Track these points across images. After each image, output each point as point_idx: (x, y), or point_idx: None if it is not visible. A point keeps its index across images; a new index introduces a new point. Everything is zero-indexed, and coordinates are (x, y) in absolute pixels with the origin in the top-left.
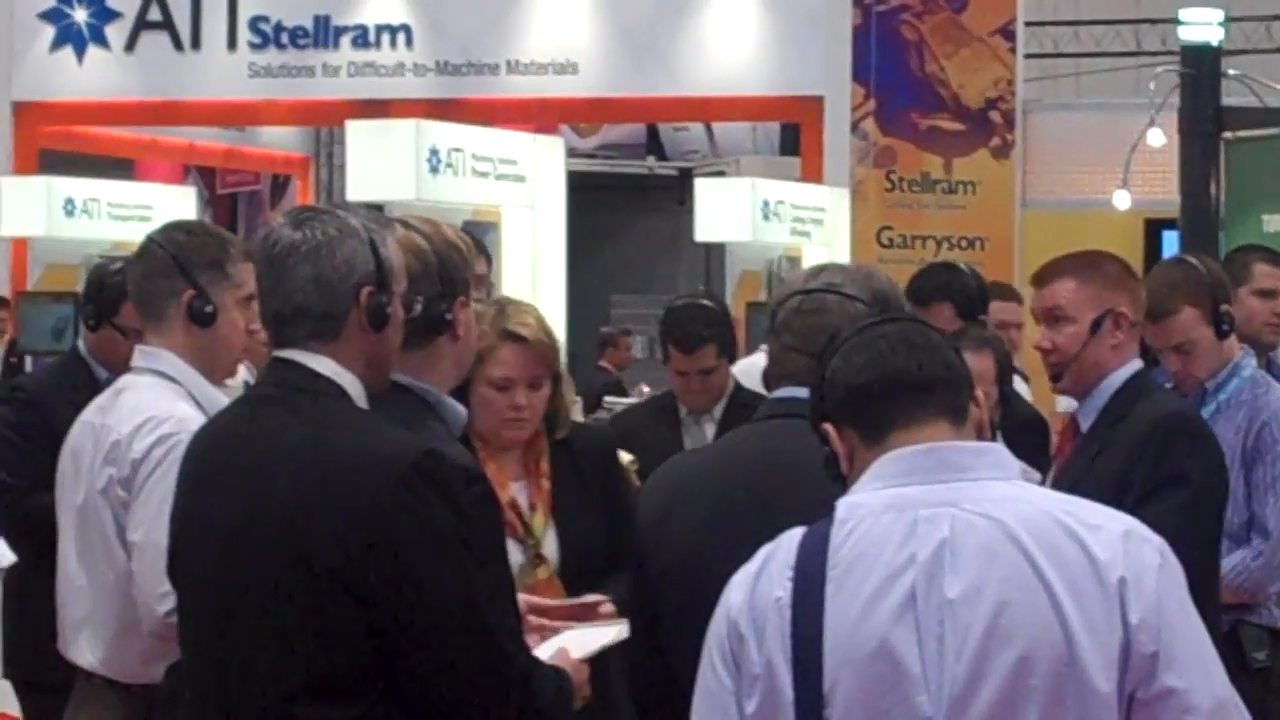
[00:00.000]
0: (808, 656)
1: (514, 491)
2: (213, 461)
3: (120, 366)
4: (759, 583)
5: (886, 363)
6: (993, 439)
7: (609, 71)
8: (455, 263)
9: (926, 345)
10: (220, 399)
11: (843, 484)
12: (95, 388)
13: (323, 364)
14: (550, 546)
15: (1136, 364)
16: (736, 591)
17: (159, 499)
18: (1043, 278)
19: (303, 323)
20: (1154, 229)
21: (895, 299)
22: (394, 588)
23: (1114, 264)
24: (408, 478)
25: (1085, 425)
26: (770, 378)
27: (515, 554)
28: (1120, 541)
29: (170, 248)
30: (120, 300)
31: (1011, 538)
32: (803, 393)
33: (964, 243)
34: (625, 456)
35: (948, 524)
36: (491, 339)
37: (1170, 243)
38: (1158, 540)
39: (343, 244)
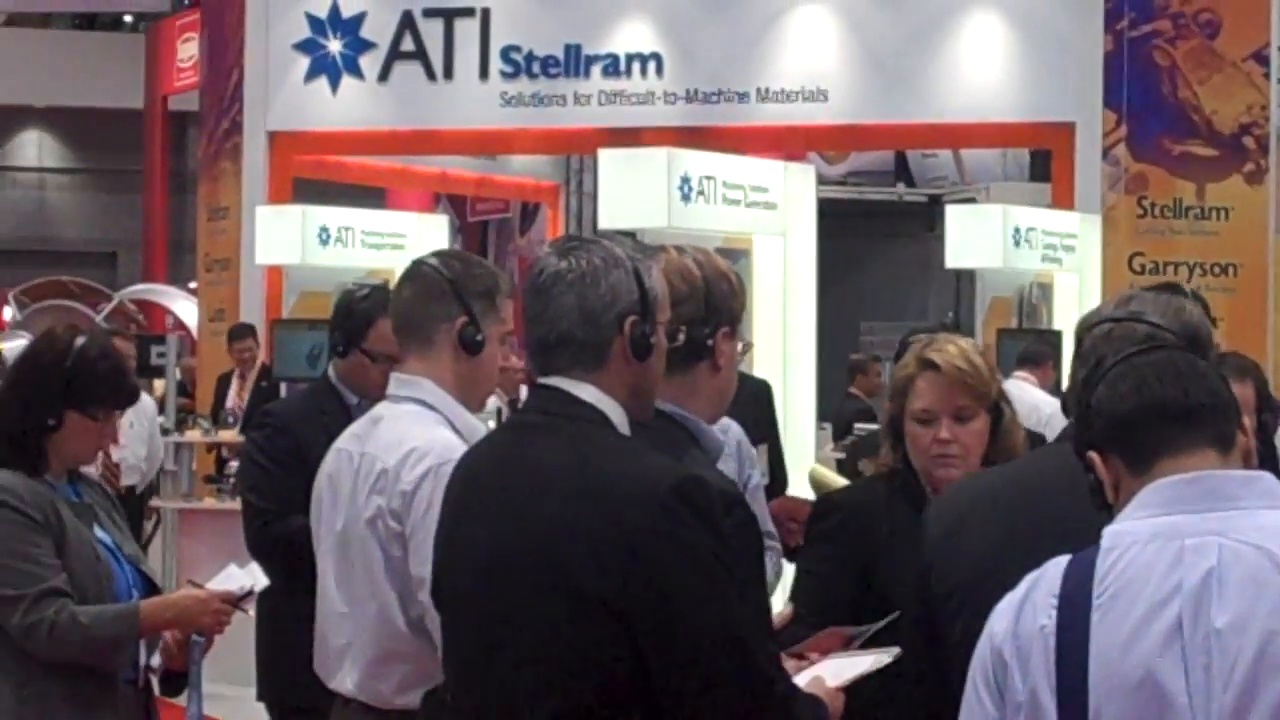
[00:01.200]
0: (1072, 685)
1: None
2: (477, 487)
3: (369, 391)
4: (1024, 610)
5: (1152, 391)
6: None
7: (858, 99)
8: (723, 293)
9: (1193, 373)
10: (479, 426)
11: (1108, 512)
12: (345, 413)
13: (586, 391)
14: None
15: None
16: (1001, 619)
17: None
18: None
19: (566, 350)
20: None
21: (1205, 335)
22: (655, 613)
23: None
24: (670, 503)
25: None
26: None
27: None
28: None
29: (447, 273)
30: (368, 326)
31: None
32: None
33: (1216, 269)
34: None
35: (1215, 553)
36: (911, 369)
37: None
38: None
39: (608, 273)
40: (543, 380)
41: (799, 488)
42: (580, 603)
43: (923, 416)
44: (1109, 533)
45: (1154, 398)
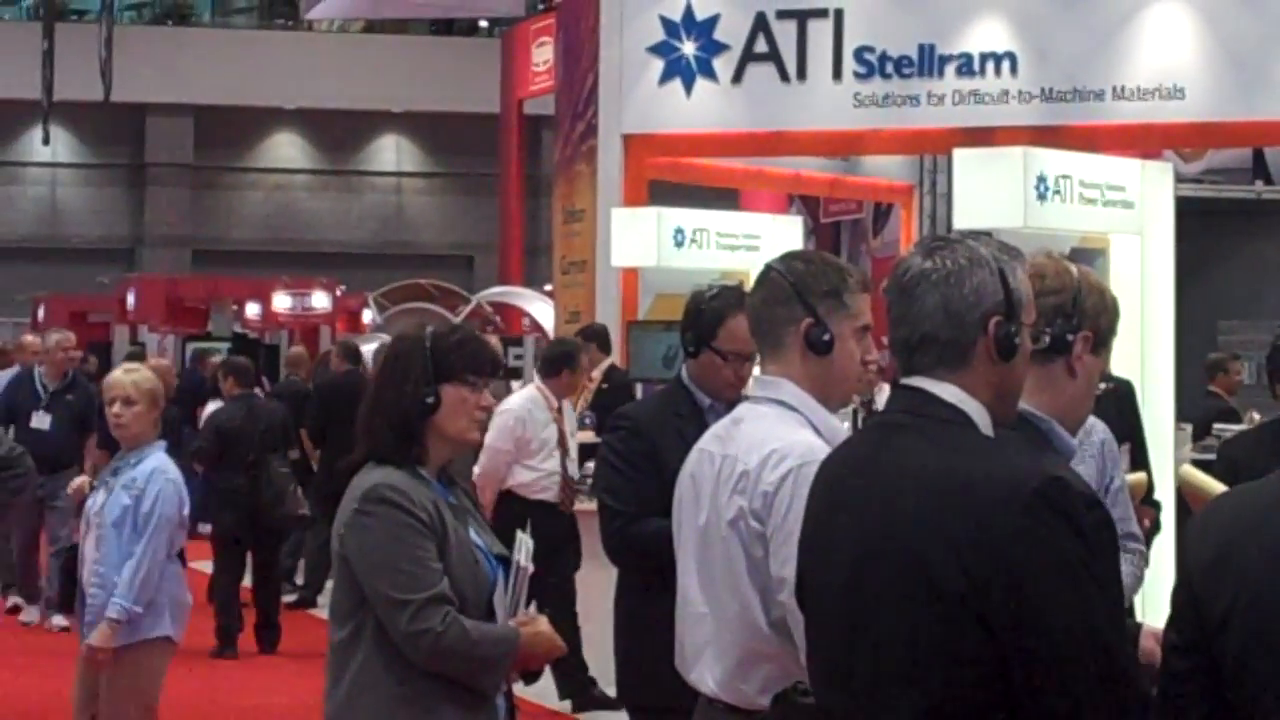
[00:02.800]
0: None
1: None
2: (841, 487)
3: (722, 391)
4: None
5: None
6: None
7: (1216, 96)
8: (1095, 304)
9: None
10: (840, 427)
11: None
12: (698, 415)
13: (949, 391)
14: None
15: None
16: None
17: (797, 532)
18: None
19: (930, 350)
20: None
21: None
22: (1018, 614)
23: None
24: (1033, 504)
25: None
26: None
27: None
28: None
29: (790, 276)
30: (718, 325)
31: None
32: None
33: None
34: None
35: None
36: None
37: None
38: None
39: (972, 273)
40: (906, 380)
41: (1162, 488)
42: (942, 603)
43: None
44: None
45: None
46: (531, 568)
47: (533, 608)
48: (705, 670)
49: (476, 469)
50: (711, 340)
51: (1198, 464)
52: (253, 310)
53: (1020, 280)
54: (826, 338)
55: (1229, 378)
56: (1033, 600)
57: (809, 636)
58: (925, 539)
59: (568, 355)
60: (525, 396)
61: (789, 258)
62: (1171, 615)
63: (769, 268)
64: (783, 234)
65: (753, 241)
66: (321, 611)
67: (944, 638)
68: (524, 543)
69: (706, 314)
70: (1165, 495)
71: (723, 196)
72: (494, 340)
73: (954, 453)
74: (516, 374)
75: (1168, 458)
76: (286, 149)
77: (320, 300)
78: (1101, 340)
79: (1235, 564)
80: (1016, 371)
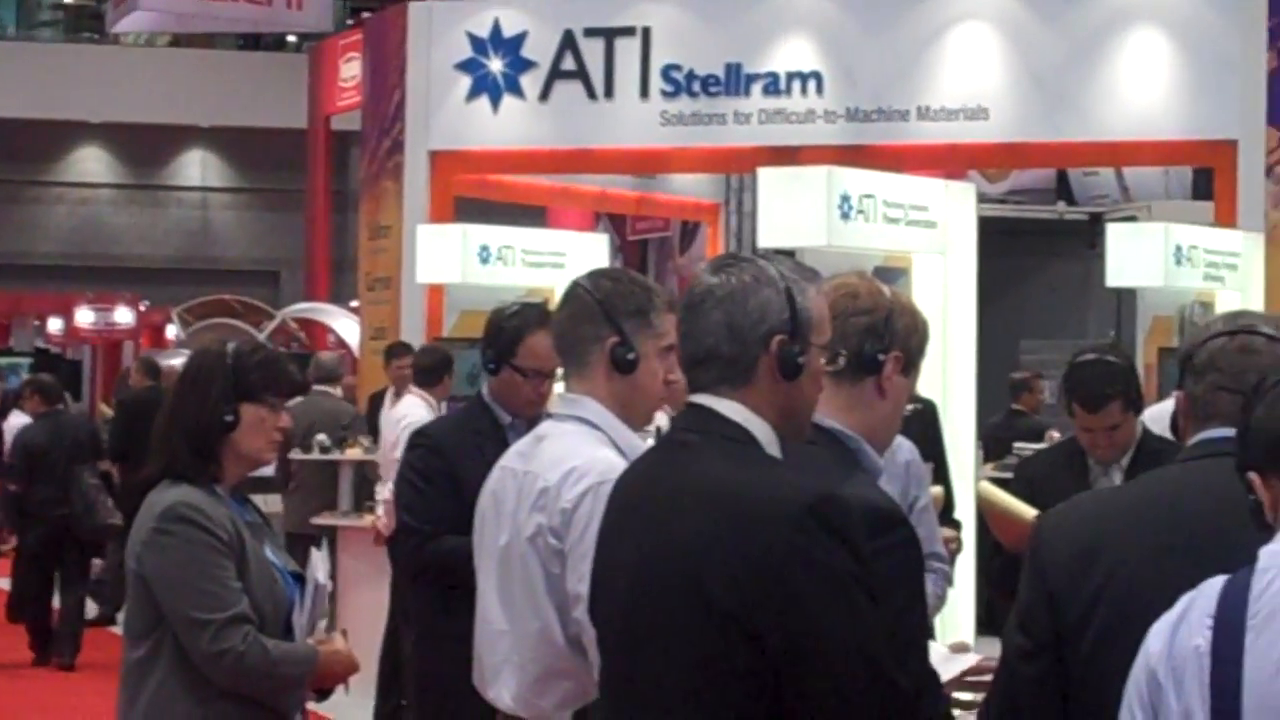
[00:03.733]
0: (1226, 706)
1: None
2: (627, 505)
3: (522, 409)
4: (1179, 631)
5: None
6: None
7: (1019, 117)
8: (906, 325)
9: None
10: (640, 445)
11: (1268, 532)
12: (498, 432)
13: (733, 409)
14: None
15: None
16: (1156, 639)
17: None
18: None
19: (713, 366)
20: None
21: None
22: (787, 632)
23: None
24: (804, 522)
25: None
26: (1196, 419)
27: None
28: None
29: (597, 294)
30: (517, 342)
31: None
32: (1231, 433)
33: None
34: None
35: None
36: None
37: None
38: None
39: (758, 291)
40: (692, 398)
41: (963, 507)
42: (715, 621)
43: None
44: (1265, 553)
45: None
46: (330, 585)
47: (323, 624)
48: (503, 687)
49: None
50: (511, 358)
51: (997, 482)
52: (55, 325)
53: (810, 301)
54: (631, 356)
55: (1034, 396)
56: (803, 618)
57: (600, 654)
58: (699, 556)
59: (446, 360)
60: (418, 406)
61: (597, 276)
62: (1019, 620)
63: (576, 285)
64: (589, 251)
65: (558, 259)
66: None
67: (717, 655)
68: (321, 560)
69: (507, 331)
70: (966, 514)
71: (531, 214)
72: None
73: (731, 470)
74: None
75: (968, 476)
76: (91, 163)
77: (124, 315)
78: (911, 361)
79: (1104, 559)
80: (804, 391)
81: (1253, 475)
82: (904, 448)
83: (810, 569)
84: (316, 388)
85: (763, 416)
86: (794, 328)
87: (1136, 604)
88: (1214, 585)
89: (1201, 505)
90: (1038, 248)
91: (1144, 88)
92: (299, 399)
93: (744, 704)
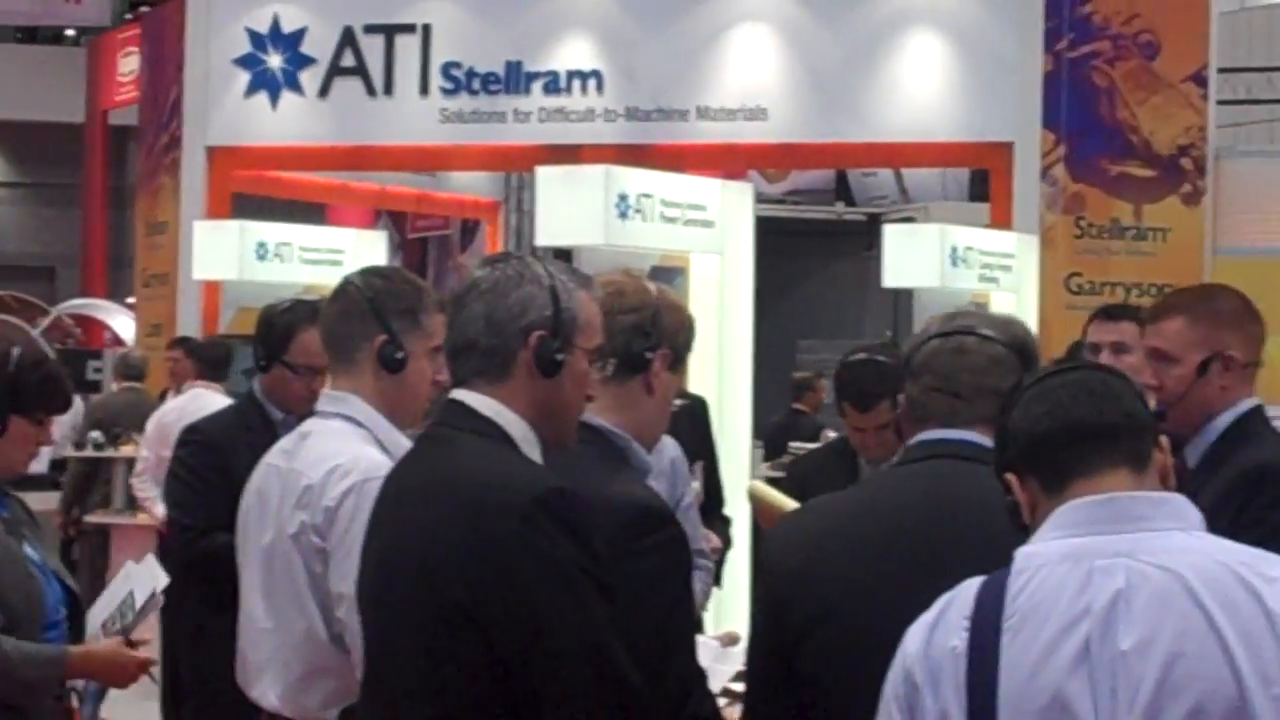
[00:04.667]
0: (982, 706)
1: None
2: (382, 499)
3: (293, 405)
4: (935, 632)
5: (1067, 412)
6: None
7: (798, 117)
8: (674, 322)
9: (1107, 393)
10: (405, 444)
11: (1026, 533)
12: (269, 429)
13: (485, 404)
14: None
15: (1248, 404)
16: (913, 640)
17: (358, 549)
18: (1154, 314)
19: (471, 358)
20: None
21: (1032, 346)
22: (512, 624)
23: (1230, 300)
24: (530, 514)
25: (1191, 463)
26: (912, 421)
27: None
28: None
29: (368, 291)
30: (288, 339)
31: (1186, 590)
32: (949, 434)
33: (1153, 289)
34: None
35: (1123, 575)
36: None
37: None
38: None
39: (520, 285)
40: (451, 393)
41: (735, 505)
42: (446, 613)
43: None
44: (1021, 554)
45: (1067, 419)
46: (162, 599)
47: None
48: (268, 686)
49: None
50: (283, 354)
51: (771, 480)
52: None
53: (578, 303)
54: (400, 355)
55: (816, 396)
56: (530, 609)
57: (365, 648)
58: (431, 549)
59: (231, 353)
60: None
61: (368, 274)
62: (753, 626)
63: (347, 282)
64: (367, 249)
65: (336, 256)
66: None
67: (449, 648)
68: (143, 568)
69: (277, 327)
70: (740, 511)
71: (311, 211)
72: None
73: (469, 464)
74: (95, 388)
75: (744, 474)
76: None
77: None
78: (678, 358)
79: (820, 570)
80: (564, 391)
81: (1010, 477)
82: (669, 445)
83: (536, 561)
84: (124, 384)
85: (519, 413)
86: (556, 325)
87: (854, 614)
88: (971, 586)
89: (915, 509)
90: (816, 248)
91: (921, 90)
92: (105, 394)
93: (476, 696)
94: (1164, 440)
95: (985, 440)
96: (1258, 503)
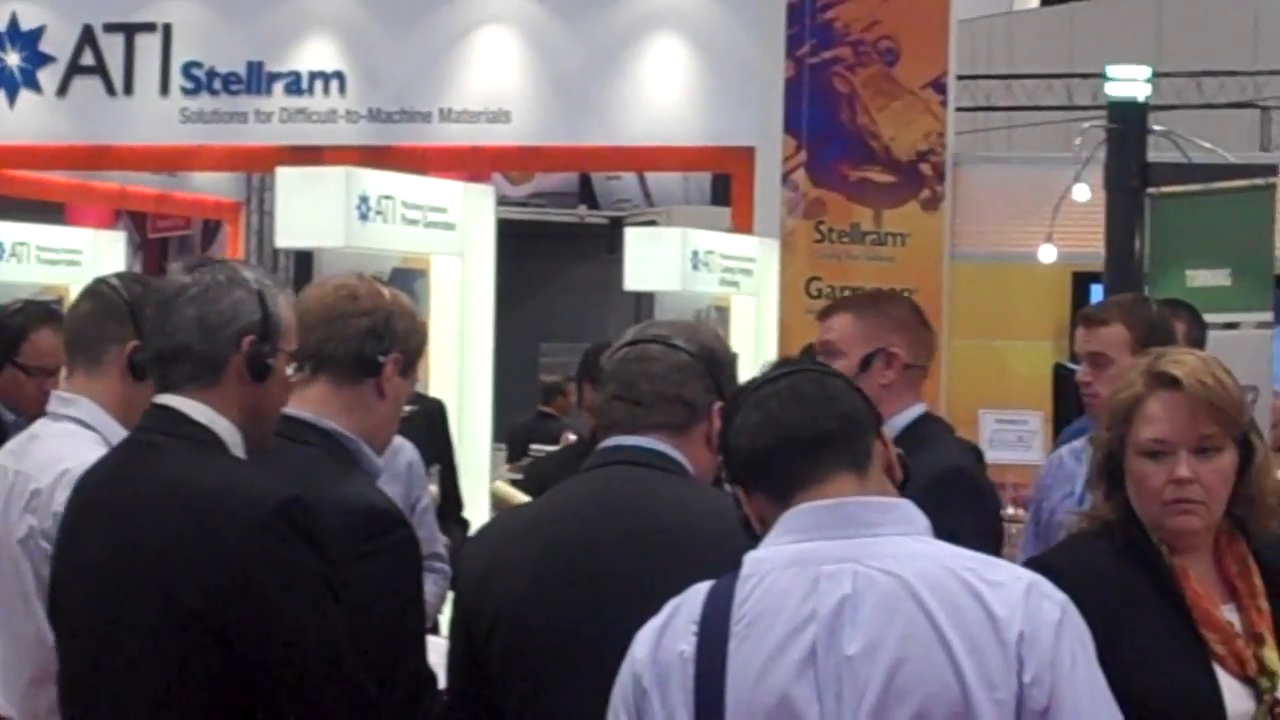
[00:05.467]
0: (709, 710)
1: (1226, 614)
2: (87, 505)
3: (26, 408)
4: (664, 637)
5: (779, 424)
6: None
7: (541, 121)
8: (406, 327)
9: (821, 397)
10: None
11: (757, 542)
12: (2, 431)
13: (198, 410)
14: None
15: (918, 409)
16: (641, 645)
17: None
18: (825, 311)
19: (184, 363)
20: (1081, 282)
21: (722, 351)
22: (256, 630)
23: (900, 307)
24: (270, 521)
25: None
26: (600, 428)
27: (1244, 699)
28: (1021, 598)
29: (127, 295)
30: (21, 340)
31: (912, 594)
32: (629, 440)
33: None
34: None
35: (849, 580)
36: (1139, 388)
37: (1097, 296)
38: (1060, 597)
39: (230, 290)
40: (157, 398)
41: (475, 507)
42: (182, 620)
43: (1155, 448)
44: (749, 559)
45: (781, 432)
46: None
47: None
48: None
49: None
50: (15, 355)
51: (514, 482)
52: None
53: (280, 308)
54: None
55: (566, 399)
56: (269, 616)
57: (60, 656)
58: (166, 558)
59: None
60: None
61: (127, 278)
62: (449, 635)
63: (104, 283)
64: (105, 250)
65: (74, 256)
66: None
67: (186, 657)
68: None
69: (10, 328)
70: (479, 512)
71: (49, 210)
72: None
73: (199, 472)
74: None
75: (484, 476)
76: None
77: None
78: (410, 363)
79: (500, 580)
80: (270, 394)
81: (738, 489)
82: (406, 449)
83: (278, 570)
84: None
85: (229, 418)
86: (265, 330)
87: (528, 620)
88: (699, 591)
89: (587, 515)
90: (559, 250)
91: (664, 94)
92: None
93: (214, 705)
94: (885, 431)
95: (665, 446)
96: (951, 508)
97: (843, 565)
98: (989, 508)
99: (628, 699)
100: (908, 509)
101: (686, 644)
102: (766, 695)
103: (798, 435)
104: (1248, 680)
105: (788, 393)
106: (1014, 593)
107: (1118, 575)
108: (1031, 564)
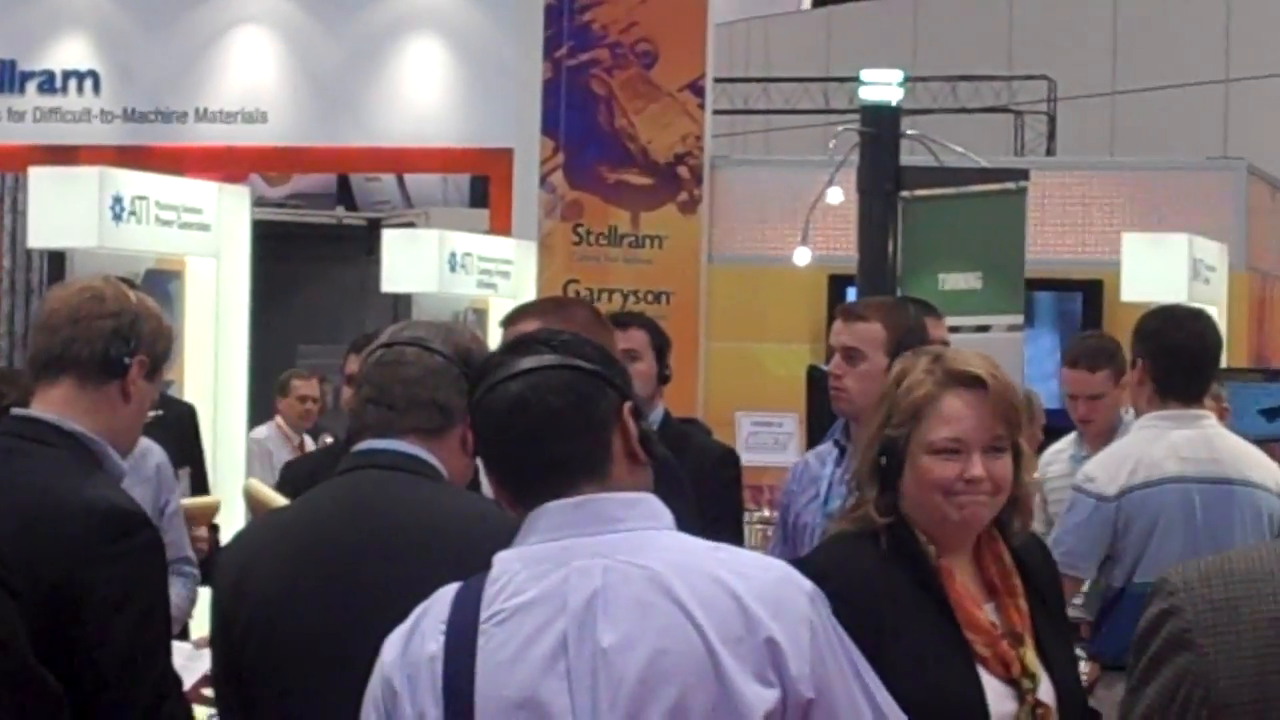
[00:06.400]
0: (458, 709)
1: (987, 614)
2: None
3: None
4: (413, 638)
5: (506, 435)
6: None
7: (298, 121)
8: (152, 329)
9: (542, 405)
10: None
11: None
12: None
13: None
14: (1046, 692)
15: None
16: (390, 649)
17: None
18: (510, 320)
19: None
20: (838, 285)
21: (478, 354)
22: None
23: (584, 311)
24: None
25: None
26: (351, 431)
27: (1007, 701)
28: (773, 588)
29: None
30: None
31: (665, 587)
32: (381, 444)
33: (650, 296)
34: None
35: (600, 575)
36: (930, 386)
37: (853, 299)
38: (809, 586)
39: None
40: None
41: (231, 509)
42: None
43: (949, 446)
44: (498, 559)
45: (512, 443)
46: None
47: None
48: None
49: None
50: None
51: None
52: None
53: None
54: None
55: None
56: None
57: None
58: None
59: None
60: None
61: None
62: (210, 642)
63: None
64: None
65: None
66: None
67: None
68: None
69: None
70: (235, 514)
71: None
72: None
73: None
74: None
75: (239, 477)
76: None
77: None
78: (156, 365)
79: (253, 584)
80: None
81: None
82: (154, 452)
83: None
84: None
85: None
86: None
87: (279, 624)
88: (448, 592)
89: (337, 519)
90: (317, 252)
91: (423, 95)
92: None
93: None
94: (628, 406)
95: (418, 450)
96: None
97: (593, 561)
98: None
99: (378, 702)
100: (653, 503)
101: (435, 644)
102: (515, 690)
103: (531, 449)
104: (1010, 681)
105: (514, 400)
106: (766, 582)
107: (883, 577)
108: (799, 564)
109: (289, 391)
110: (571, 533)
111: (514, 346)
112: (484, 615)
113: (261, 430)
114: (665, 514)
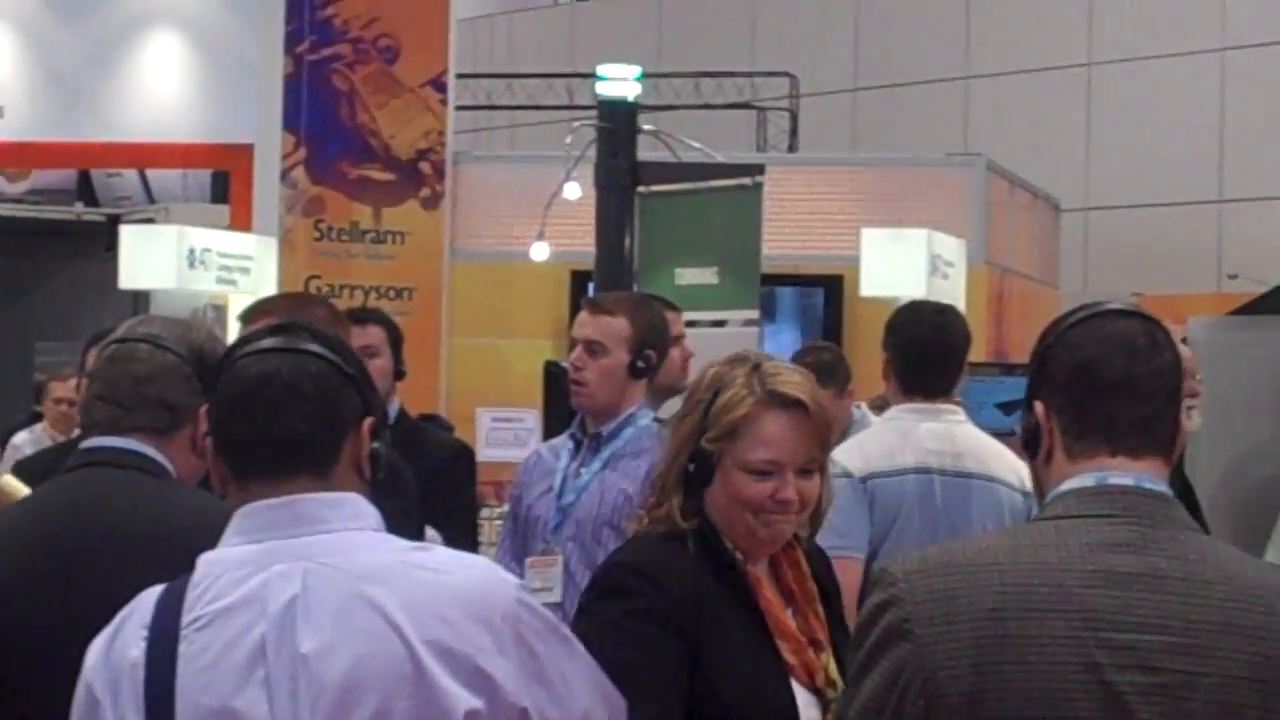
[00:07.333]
0: (159, 716)
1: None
2: None
3: None
4: (115, 644)
5: (233, 425)
6: None
7: (37, 116)
8: None
9: (292, 383)
10: None
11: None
12: None
13: None
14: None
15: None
16: (93, 653)
17: None
18: (248, 316)
19: None
20: (580, 280)
21: (213, 352)
22: None
23: (322, 309)
24: None
25: None
26: (81, 428)
27: (811, 709)
28: (477, 586)
29: None
30: None
31: (366, 591)
32: (109, 441)
33: (393, 293)
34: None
35: (300, 578)
36: (749, 406)
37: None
38: (514, 581)
39: None
40: None
41: None
42: None
43: (766, 468)
44: (202, 561)
45: (249, 417)
46: None
47: None
48: None
49: None
50: None
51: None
52: None
53: None
54: None
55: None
56: None
57: None
58: None
59: None
60: None
61: None
62: None
63: None
64: None
65: None
66: None
67: None
68: None
69: None
70: None
71: None
72: None
73: None
74: None
75: None
76: None
77: None
78: None
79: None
80: None
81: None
82: None
83: None
84: None
85: None
86: None
87: (3, 626)
88: (151, 595)
89: (59, 517)
90: (56, 248)
91: (163, 90)
92: None
93: None
94: (369, 422)
95: (146, 448)
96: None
97: (295, 564)
98: None
99: (80, 709)
100: (358, 504)
101: (137, 649)
102: (215, 696)
103: (260, 435)
104: (815, 690)
105: (254, 394)
106: (468, 580)
107: (700, 582)
108: (619, 566)
109: (45, 395)
110: (275, 534)
111: (281, 328)
112: (185, 620)
113: (22, 435)
114: (371, 514)
